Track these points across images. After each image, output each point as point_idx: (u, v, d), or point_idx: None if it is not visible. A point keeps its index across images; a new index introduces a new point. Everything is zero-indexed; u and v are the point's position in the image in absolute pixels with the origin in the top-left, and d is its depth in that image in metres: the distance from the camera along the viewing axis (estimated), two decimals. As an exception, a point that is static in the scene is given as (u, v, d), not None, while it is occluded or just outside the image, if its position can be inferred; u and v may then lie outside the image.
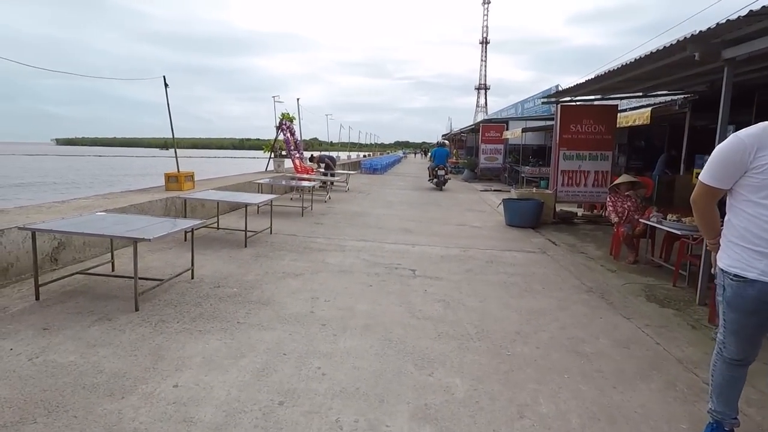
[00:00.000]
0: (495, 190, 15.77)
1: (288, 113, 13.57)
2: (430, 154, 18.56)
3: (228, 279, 4.53)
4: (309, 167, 13.21)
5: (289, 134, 13.88)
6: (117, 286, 4.12)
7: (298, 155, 14.18)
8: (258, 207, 8.66)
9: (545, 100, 9.55)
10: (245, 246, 5.87)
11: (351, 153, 32.36)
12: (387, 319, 3.66)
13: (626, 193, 6.13)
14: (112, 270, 4.56)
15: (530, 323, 3.70)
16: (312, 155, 13.63)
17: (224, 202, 6.07)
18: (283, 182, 9.28)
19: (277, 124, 13.20)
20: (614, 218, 5.95)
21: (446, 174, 15.58)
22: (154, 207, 6.17)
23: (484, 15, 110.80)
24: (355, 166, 23.69)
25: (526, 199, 8.60)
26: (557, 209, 8.92)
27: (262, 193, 8.84)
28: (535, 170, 14.87)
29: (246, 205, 5.84)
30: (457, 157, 28.99)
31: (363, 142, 56.21)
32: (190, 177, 7.71)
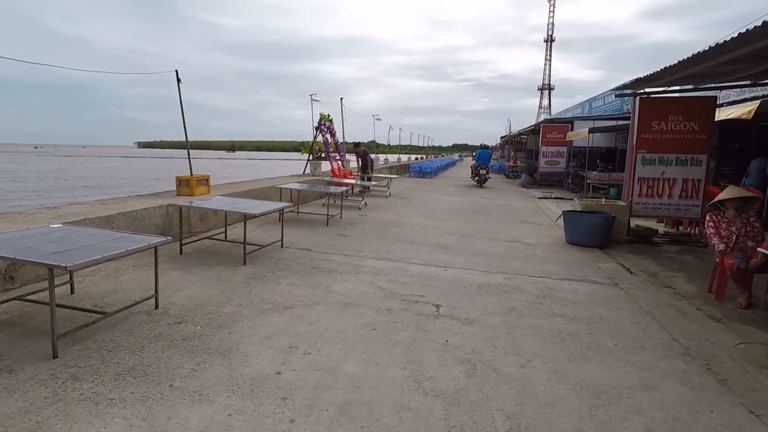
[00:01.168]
0: (555, 198, 14.06)
1: (326, 113, 12.77)
2: (474, 155, 19.66)
3: (199, 310, 3.62)
4: (348, 171, 12.31)
5: (329, 135, 13.08)
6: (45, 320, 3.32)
7: (338, 158, 13.35)
8: (280, 213, 7.84)
9: (620, 91, 7.93)
10: (244, 263, 4.98)
11: (401, 155, 31.32)
12: (379, 394, 2.54)
13: (732, 211, 4.57)
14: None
15: (596, 416, 2.43)
16: (356, 143, 12.71)
17: (222, 210, 5.22)
18: (306, 186, 8.36)
19: (316, 125, 12.43)
20: (719, 245, 4.40)
21: (487, 173, 17.62)
22: (151, 215, 5.46)
23: (549, 12, 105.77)
24: (404, 169, 22.63)
25: (593, 211, 7.09)
26: (632, 225, 7.32)
27: (281, 200, 8.01)
28: (603, 176, 13.03)
29: (245, 216, 4.95)
30: (515, 160, 27.06)
31: (420, 145, 55.06)
32: (204, 181, 7.01)
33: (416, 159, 34.56)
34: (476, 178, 17.39)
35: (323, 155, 12.74)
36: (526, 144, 28.44)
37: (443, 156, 59.94)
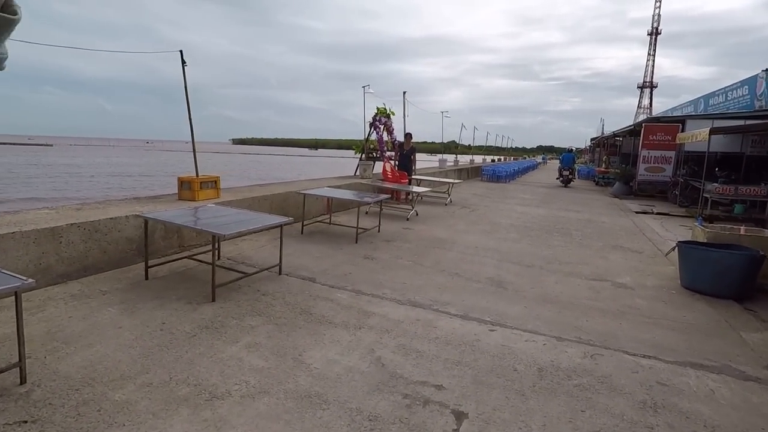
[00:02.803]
0: (658, 214, 11.40)
1: (384, 108, 11.34)
2: (560, 157, 21.74)
3: (71, 396, 2.34)
4: (403, 173, 10.75)
5: (386, 133, 11.65)
6: None
7: (395, 158, 11.89)
8: (303, 226, 6.55)
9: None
10: (212, 299, 3.68)
11: (474, 157, 29.01)
12: None
13: None
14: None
15: None
16: (407, 134, 10.73)
17: (187, 227, 3.97)
18: (337, 192, 6.92)
19: (370, 120, 11.07)
20: None
21: (570, 174, 19.65)
22: (121, 227, 4.37)
23: (656, 2, 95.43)
24: (475, 172, 20.59)
25: (726, 244, 4.90)
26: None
27: (304, 209, 6.71)
28: (727, 189, 10.19)
29: (214, 237, 3.65)
30: (608, 164, 23.74)
31: (502, 146, 51.97)
32: (212, 183, 5.90)
33: (493, 161, 32.04)
34: (560, 178, 19.89)
35: (377, 155, 11.35)
36: (621, 147, 24.87)
37: (524, 158, 56.09)
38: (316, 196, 6.69)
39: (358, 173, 10.84)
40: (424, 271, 5.00)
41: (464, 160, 24.43)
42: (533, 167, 37.63)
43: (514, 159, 46.49)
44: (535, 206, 11.69)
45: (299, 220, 6.76)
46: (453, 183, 10.87)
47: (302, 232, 6.45)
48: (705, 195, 10.64)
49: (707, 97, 20.74)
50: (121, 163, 42.86)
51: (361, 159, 11.24)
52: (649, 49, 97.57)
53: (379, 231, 6.97)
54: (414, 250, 5.96)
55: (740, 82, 17.39)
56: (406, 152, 9.54)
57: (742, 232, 5.19)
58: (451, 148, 31.82)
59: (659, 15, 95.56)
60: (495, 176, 19.15)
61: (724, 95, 18.94)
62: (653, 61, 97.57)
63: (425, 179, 11.47)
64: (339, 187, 8.72)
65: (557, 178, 20.39)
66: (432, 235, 7.04)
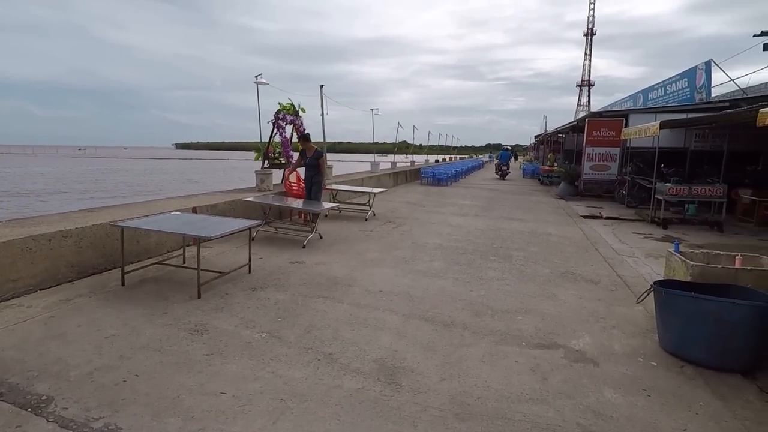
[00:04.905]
0: (608, 218, 10.14)
1: (291, 104, 9.36)
2: (497, 154, 27.70)
3: None
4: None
5: (296, 133, 9.69)
6: None
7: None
8: (124, 274, 4.49)
9: None
10: None
11: (419, 157, 27.62)
12: None
13: None
14: None
15: None
16: (305, 135, 8.13)
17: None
18: (166, 225, 4.70)
19: (272, 119, 9.05)
20: None
21: (507, 169, 23.40)
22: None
23: (590, 5, 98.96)
24: (415, 174, 18.96)
25: (721, 286, 3.35)
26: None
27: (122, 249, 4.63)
28: (681, 189, 9.02)
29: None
30: (552, 163, 22.92)
31: (452, 145, 51.12)
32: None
33: (436, 161, 30.74)
34: (499, 173, 23.34)
35: (283, 161, 9.35)
36: (564, 144, 24.20)
37: (471, 157, 55.73)
38: (140, 229, 4.56)
39: (256, 184, 8.78)
40: (279, 354, 3.10)
41: (419, 160, 22.80)
42: (479, 166, 36.84)
43: (460, 158, 45.76)
44: (473, 215, 10.11)
45: (132, 262, 4.67)
46: (374, 193, 9.04)
47: (123, 284, 4.37)
48: (657, 196, 9.45)
49: (646, 91, 20.25)
50: (17, 174, 37.63)
51: (262, 166, 9.19)
52: (586, 50, 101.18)
53: (250, 271, 5.00)
54: (284, 305, 4.04)
55: (679, 74, 16.81)
56: (309, 160, 7.46)
57: (737, 264, 3.66)
58: (402, 148, 30.38)
59: (593, 17, 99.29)
60: (435, 179, 17.60)
61: (663, 89, 18.41)
62: (590, 61, 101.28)
63: (343, 189, 9.59)
64: (215, 205, 6.66)
65: (496, 173, 23.82)
66: (326, 272, 5.15)
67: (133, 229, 4.45)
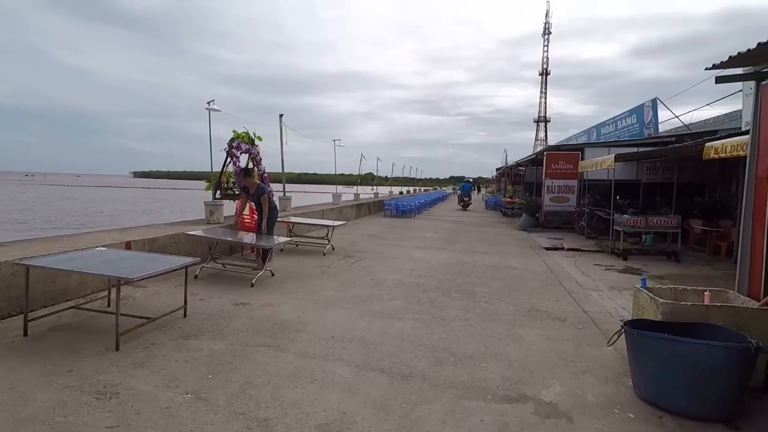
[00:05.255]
0: (569, 250, 10.12)
1: (246, 132, 8.95)
2: (459, 186, 26.96)
3: None
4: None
5: (252, 163, 9.25)
6: None
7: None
8: (26, 323, 3.86)
9: (725, 70, 4.00)
10: None
11: (383, 188, 27.57)
12: None
13: None
14: None
15: None
16: (246, 169, 7.66)
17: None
18: (78, 263, 4.05)
19: (226, 147, 8.59)
20: None
21: (469, 200, 25.02)
22: None
23: (544, 46, 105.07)
24: (379, 206, 18.73)
25: (692, 325, 3.13)
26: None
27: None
28: (638, 221, 9.12)
29: None
30: (511, 195, 23.30)
31: (418, 177, 51.74)
32: None
33: (401, 193, 30.78)
34: (461, 204, 24.98)
35: (236, 191, 8.84)
36: (524, 176, 24.76)
37: (435, 189, 56.47)
38: (49, 269, 3.96)
39: (205, 216, 8.19)
40: (202, 423, 2.58)
41: (371, 192, 22.55)
42: (442, 198, 37.19)
43: (424, 190, 46.20)
44: (436, 249, 9.85)
45: (45, 306, 4.02)
46: (333, 226, 8.64)
47: (26, 333, 3.72)
48: (616, 228, 9.52)
49: (599, 127, 21.13)
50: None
51: (214, 197, 8.64)
52: (541, 88, 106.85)
53: (185, 315, 4.44)
54: (219, 357, 3.52)
55: (629, 111, 17.62)
56: (252, 195, 6.89)
57: (706, 300, 3.48)
58: (368, 180, 30.30)
59: (547, 58, 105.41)
60: (399, 211, 17.40)
61: (614, 124, 19.23)
62: (545, 98, 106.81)
63: (300, 222, 9.13)
64: (155, 239, 6.07)
65: (459, 203, 25.35)
66: (274, 315, 4.65)
67: (41, 269, 3.83)
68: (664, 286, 3.83)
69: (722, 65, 3.49)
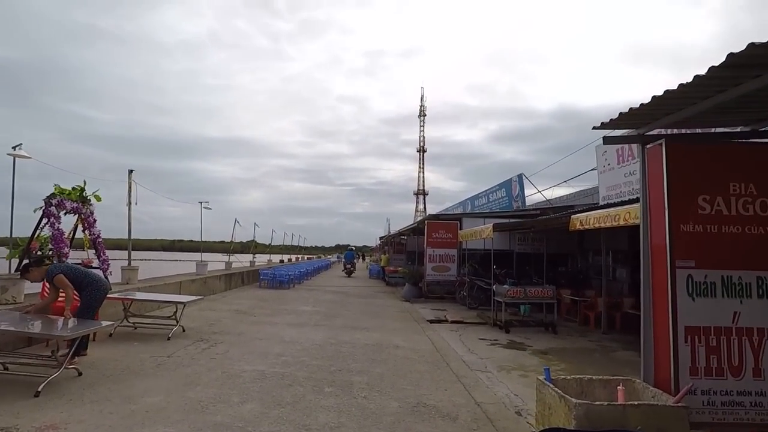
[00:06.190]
0: (453, 323, 9.70)
1: (79, 187, 7.17)
2: (343, 255, 29.69)
3: None
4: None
5: (82, 225, 7.36)
6: None
7: (95, 264, 7.57)
8: None
9: (609, 129, 3.86)
10: None
11: (262, 256, 25.79)
12: None
13: None
14: None
15: None
16: (38, 259, 6.08)
17: None
18: None
19: (42, 205, 6.69)
20: None
21: (353, 267, 26.29)
22: None
23: (420, 126, 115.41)
24: (254, 276, 16.95)
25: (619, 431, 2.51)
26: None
27: None
28: (517, 291, 9.12)
29: None
30: (387, 263, 23.26)
31: (303, 245, 50.18)
32: None
33: (281, 261, 29.01)
34: (344, 271, 26.30)
35: (53, 261, 6.83)
36: (406, 245, 25.07)
37: (320, 257, 55.24)
38: None
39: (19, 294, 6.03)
40: None
41: (245, 262, 20.53)
42: (327, 266, 36.07)
43: (308, 258, 44.72)
44: (312, 325, 8.65)
45: None
46: (183, 303, 7.03)
47: None
48: (497, 299, 9.40)
49: (473, 199, 22.51)
50: None
51: (17, 267, 6.53)
52: (419, 164, 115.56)
53: None
54: None
55: (498, 185, 19.00)
56: (50, 285, 5.24)
57: (620, 397, 2.93)
58: (251, 247, 28.08)
59: (424, 137, 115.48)
60: (276, 281, 15.85)
61: (486, 197, 20.58)
62: (423, 173, 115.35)
63: (140, 299, 7.33)
64: None
65: (342, 270, 27.12)
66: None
67: None
68: (568, 377, 3.26)
69: (608, 125, 3.26)
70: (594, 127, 3.36)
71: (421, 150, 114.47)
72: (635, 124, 3.40)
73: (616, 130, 3.60)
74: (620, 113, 3.21)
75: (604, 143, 3.47)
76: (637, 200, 4.38)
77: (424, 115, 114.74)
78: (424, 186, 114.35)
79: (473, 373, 5.64)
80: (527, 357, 6.75)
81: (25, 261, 5.72)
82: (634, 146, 5.09)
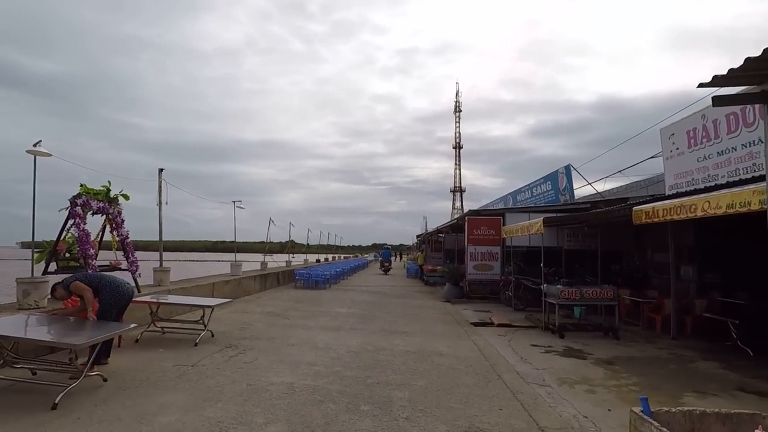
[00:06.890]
0: (500, 326, 8.90)
1: (104, 187, 6.93)
2: (380, 253, 32.86)
3: None
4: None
5: (110, 226, 7.12)
6: None
7: (124, 266, 7.33)
8: None
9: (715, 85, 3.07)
10: None
11: (298, 255, 25.69)
12: None
13: None
14: None
15: None
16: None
17: None
18: None
19: (68, 205, 6.47)
20: None
21: (390, 264, 29.59)
22: None
23: (456, 122, 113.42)
24: (289, 276, 16.66)
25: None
26: None
27: None
28: (572, 292, 8.22)
29: None
30: (423, 261, 22.48)
31: (340, 245, 50.32)
32: None
33: (317, 261, 28.84)
34: (382, 269, 28.71)
35: (80, 263, 6.61)
36: (444, 243, 24.22)
37: (356, 256, 55.03)
38: None
39: (17, 299, 5.81)
40: None
41: (281, 261, 20.33)
42: (363, 266, 35.67)
43: (344, 257, 44.53)
44: (348, 329, 8.11)
45: None
46: (211, 307, 6.62)
47: None
48: (549, 300, 8.53)
49: (515, 194, 21.41)
50: None
51: (44, 270, 6.33)
52: (455, 161, 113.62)
53: None
54: None
55: (543, 178, 17.90)
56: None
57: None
58: (288, 246, 28.21)
59: (459, 134, 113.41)
60: (311, 281, 15.48)
61: (529, 191, 19.48)
62: (459, 170, 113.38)
63: (167, 303, 6.99)
64: None
65: (380, 268, 29.53)
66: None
67: None
68: (672, 410, 2.50)
69: (719, 80, 2.46)
70: (700, 84, 2.59)
71: (457, 146, 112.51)
72: (754, 80, 2.59)
73: (722, 89, 2.79)
74: (730, 69, 2.43)
75: (714, 104, 2.69)
76: (717, 187, 3.53)
77: (460, 111, 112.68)
78: (460, 183, 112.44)
79: (530, 388, 4.89)
80: (590, 368, 5.91)
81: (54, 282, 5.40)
82: (732, 116, 4.19)
